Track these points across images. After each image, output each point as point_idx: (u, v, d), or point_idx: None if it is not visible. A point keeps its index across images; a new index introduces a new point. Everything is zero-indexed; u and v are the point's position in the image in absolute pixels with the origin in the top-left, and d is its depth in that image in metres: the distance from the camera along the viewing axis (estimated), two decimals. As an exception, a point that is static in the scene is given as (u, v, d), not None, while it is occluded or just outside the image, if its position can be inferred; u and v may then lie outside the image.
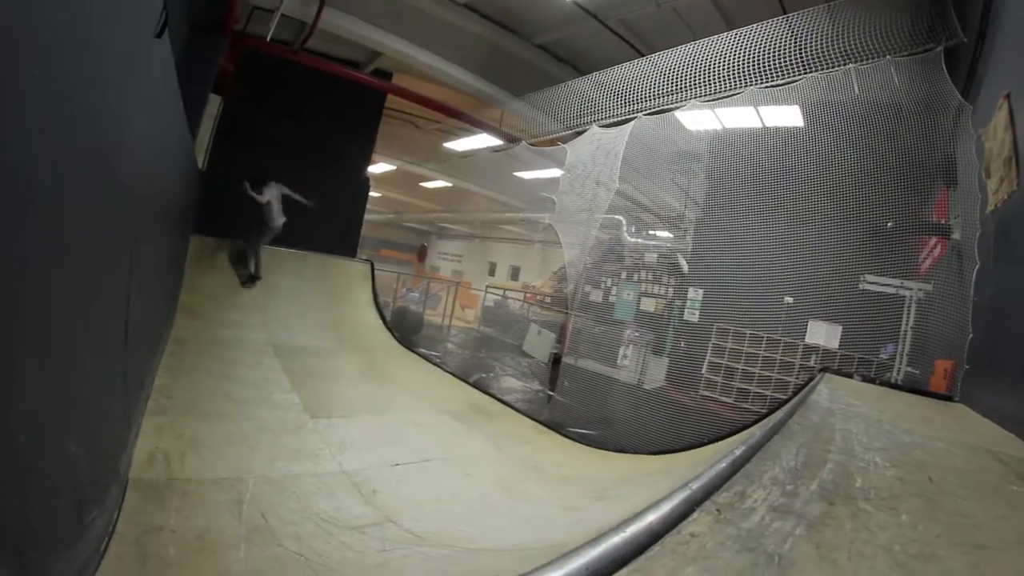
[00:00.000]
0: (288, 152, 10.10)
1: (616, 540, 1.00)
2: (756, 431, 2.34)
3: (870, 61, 6.28)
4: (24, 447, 1.43)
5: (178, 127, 4.57)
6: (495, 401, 7.64)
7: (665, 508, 1.19)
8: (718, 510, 1.24)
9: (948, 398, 4.35)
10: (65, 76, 1.43)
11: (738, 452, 1.83)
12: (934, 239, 6.46)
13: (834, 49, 6.46)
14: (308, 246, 9.81)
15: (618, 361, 10.15)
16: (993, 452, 2.28)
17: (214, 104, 8.81)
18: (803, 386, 4.89)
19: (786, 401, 4.85)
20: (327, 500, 3.72)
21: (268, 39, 8.98)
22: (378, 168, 16.25)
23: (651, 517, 1.13)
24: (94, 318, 2.14)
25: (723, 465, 1.62)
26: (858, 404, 3.40)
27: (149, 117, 2.78)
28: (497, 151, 13.01)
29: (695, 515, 1.20)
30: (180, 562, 2.68)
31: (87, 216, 1.83)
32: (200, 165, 8.27)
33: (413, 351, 9.02)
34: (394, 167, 17.05)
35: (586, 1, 8.70)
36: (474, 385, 8.18)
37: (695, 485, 1.37)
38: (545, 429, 6.93)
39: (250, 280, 8.55)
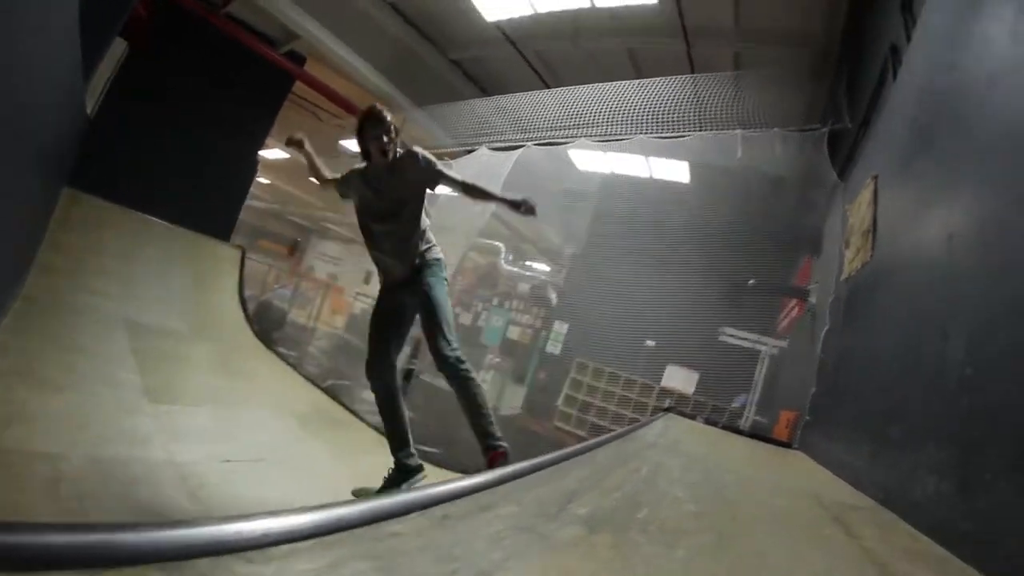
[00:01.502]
0: (185, 117, 9.48)
1: (294, 519, 0.90)
2: (551, 454, 2.08)
3: (759, 130, 6.70)
4: None
5: (67, 59, 4.17)
6: (343, 409, 7.44)
7: (369, 504, 1.05)
8: (445, 516, 1.11)
9: (788, 445, 4.62)
10: None
11: (510, 468, 1.69)
12: (793, 301, 6.95)
13: (728, 114, 6.84)
14: (181, 220, 9.20)
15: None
16: (817, 496, 2.35)
17: (119, 49, 8.25)
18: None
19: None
20: (150, 490, 3.50)
21: (190, -9, 8.48)
22: (271, 153, 15.65)
23: (349, 508, 1.00)
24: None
25: (487, 477, 1.47)
26: (688, 442, 3.48)
27: (26, 33, 2.49)
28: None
29: (412, 516, 1.06)
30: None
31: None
32: (88, 111, 7.68)
33: (271, 348, 8.67)
34: (287, 156, 16.49)
35: (509, 27, 8.83)
36: (326, 391, 7.95)
37: (435, 489, 1.23)
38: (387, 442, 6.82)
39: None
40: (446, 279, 3.82)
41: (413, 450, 3.93)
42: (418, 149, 3.77)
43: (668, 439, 3.37)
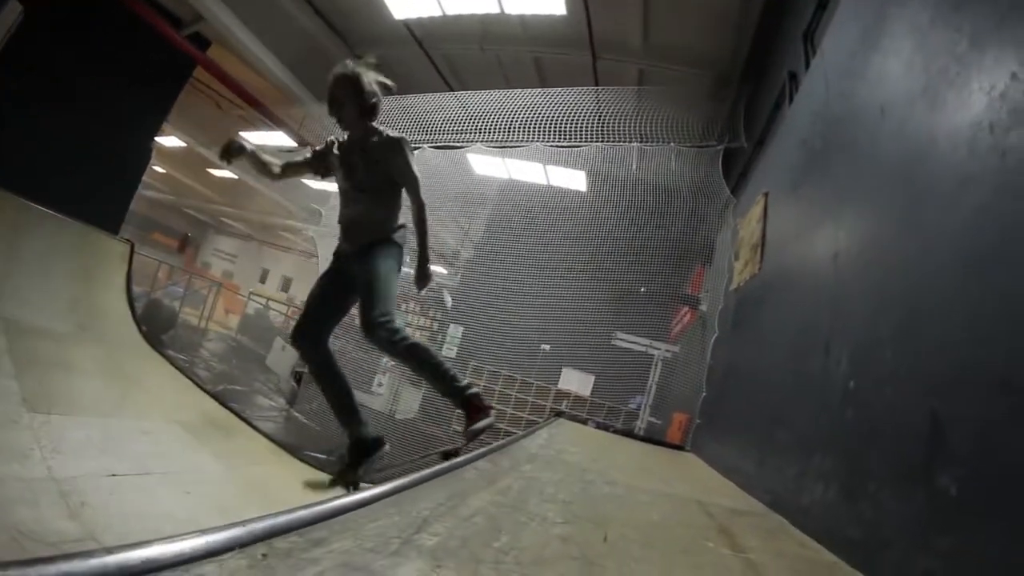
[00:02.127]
0: (76, 94, 8.77)
1: (89, 562, 0.79)
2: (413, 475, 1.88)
3: (656, 144, 6.92)
4: None
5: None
6: (234, 416, 7.15)
7: (179, 544, 0.92)
8: (264, 555, 0.97)
9: (680, 447, 4.77)
10: None
11: (361, 495, 1.50)
12: (685, 308, 7.20)
13: (629, 127, 7.04)
14: (67, 208, 8.50)
15: (372, 388, 10.04)
16: (703, 503, 2.38)
17: (13, 13, 7.62)
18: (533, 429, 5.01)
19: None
20: (29, 509, 3.27)
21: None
22: (167, 140, 14.94)
23: (153, 549, 0.88)
24: None
25: (325, 507, 1.31)
26: (573, 451, 3.43)
27: None
28: (287, 152, 12.55)
29: (227, 556, 0.94)
30: None
31: None
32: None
33: (159, 351, 8.20)
34: (183, 144, 15.77)
35: (417, 26, 8.76)
36: (215, 396, 7.59)
37: (260, 524, 1.09)
38: (280, 451, 6.64)
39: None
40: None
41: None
42: (406, 145, 3.50)
43: (552, 449, 3.33)
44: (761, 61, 6.75)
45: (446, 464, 2.22)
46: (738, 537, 1.80)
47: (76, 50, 8.65)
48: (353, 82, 3.34)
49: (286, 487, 5.40)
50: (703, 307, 6.45)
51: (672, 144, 6.88)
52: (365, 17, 9.10)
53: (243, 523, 1.05)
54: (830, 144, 2.91)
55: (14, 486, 3.44)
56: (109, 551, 0.82)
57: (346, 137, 3.56)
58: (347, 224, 3.47)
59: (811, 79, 3.92)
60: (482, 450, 2.81)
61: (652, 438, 5.44)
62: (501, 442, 3.32)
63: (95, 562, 0.79)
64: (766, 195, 4.24)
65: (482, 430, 3.25)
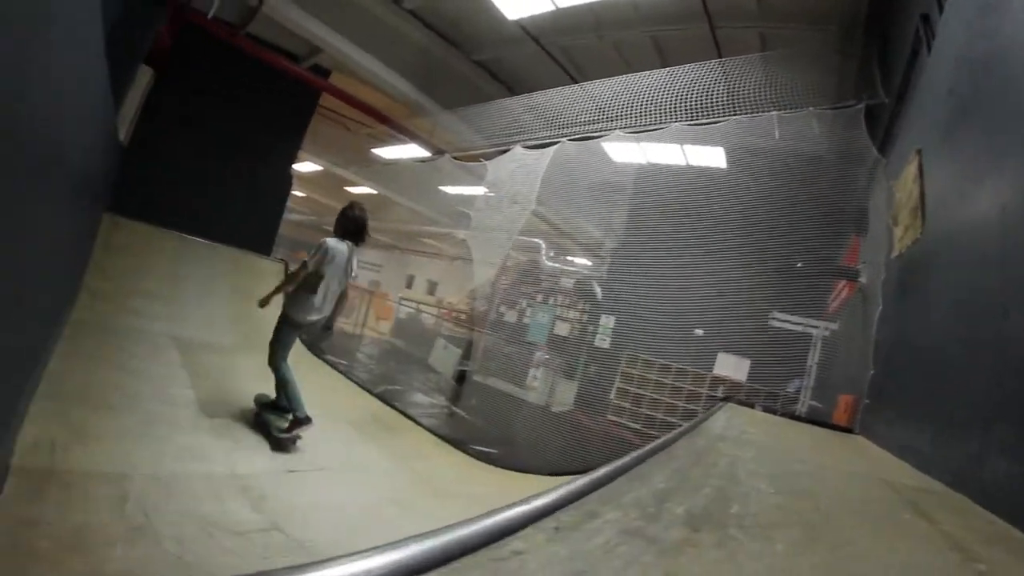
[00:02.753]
0: (216, 137, 9.75)
1: (413, 548, 0.87)
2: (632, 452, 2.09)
3: (794, 110, 6.59)
4: None
5: (100, 90, 4.28)
6: (398, 414, 7.53)
7: (488, 520, 1.04)
8: (556, 528, 1.10)
9: (848, 430, 4.52)
10: None
11: (604, 471, 1.65)
12: (843, 282, 6.79)
13: (762, 96, 6.74)
14: (222, 238, 9.42)
15: (527, 382, 10.19)
16: (887, 481, 2.30)
17: (145, 77, 8.47)
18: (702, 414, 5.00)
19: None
20: (214, 503, 3.58)
21: (209, 16, 8.68)
22: (304, 167, 15.87)
23: (465, 529, 0.98)
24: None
25: (581, 483, 1.44)
26: (753, 432, 3.42)
27: (62, 69, 2.58)
28: (422, 162, 12.95)
29: (527, 531, 1.06)
30: (52, 558, 2.51)
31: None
32: (122, 138, 7.89)
33: (320, 357, 8.79)
34: (320, 168, 16.69)
35: (530, 24, 8.80)
36: (379, 396, 8.03)
37: (538, 501, 1.22)
38: (446, 445, 6.88)
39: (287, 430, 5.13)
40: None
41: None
42: None
43: (734, 430, 3.35)
44: (886, 7, 6.25)
45: (660, 442, 2.46)
46: (928, 512, 1.77)
47: (208, 98, 9.58)
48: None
49: (455, 479, 5.65)
50: (862, 279, 6.04)
51: (810, 108, 6.53)
52: (477, 23, 9.25)
53: (526, 500, 1.20)
54: (980, 89, 2.68)
55: (200, 483, 3.78)
56: (434, 533, 0.95)
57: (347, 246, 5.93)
58: (321, 305, 5.71)
59: (948, 21, 3.64)
60: (680, 429, 3.12)
61: (819, 420, 5.20)
62: (688, 425, 3.50)
63: (432, 543, 0.92)
64: (919, 152, 3.94)
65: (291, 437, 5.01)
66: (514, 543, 1.00)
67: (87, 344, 5.59)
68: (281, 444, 4.93)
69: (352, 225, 5.93)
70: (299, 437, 5.04)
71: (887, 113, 5.95)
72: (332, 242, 5.65)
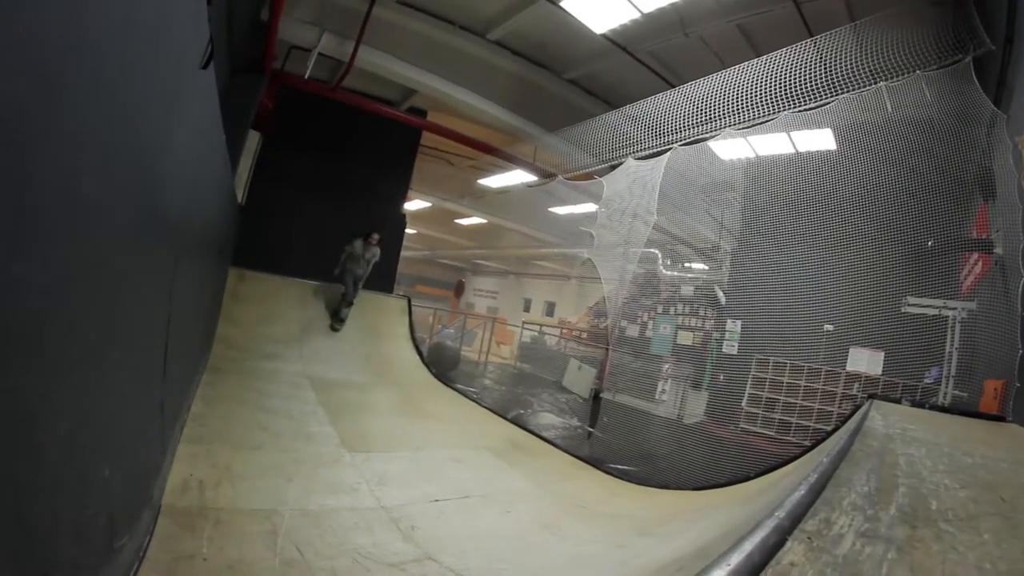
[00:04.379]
0: (325, 189, 10.42)
1: (720, 572, 0.99)
2: (822, 458, 2.31)
3: (900, 77, 6.16)
4: (55, 465, 1.41)
5: (220, 159, 4.64)
6: (534, 437, 7.55)
7: (758, 536, 1.15)
8: (809, 538, 1.20)
9: (1000, 418, 4.17)
10: (113, 101, 1.43)
11: (812, 479, 1.80)
12: (975, 255, 6.26)
13: (862, 68, 6.37)
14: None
15: (656, 396, 10.02)
16: None
17: (253, 140, 9.09)
18: (850, 414, 4.77)
19: (833, 431, 4.73)
20: (364, 535, 3.66)
21: (306, 77, 9.23)
22: (413, 205, 16.39)
23: (749, 546, 1.09)
24: (134, 344, 2.13)
25: (801, 492, 1.59)
26: (913, 428, 3.32)
27: (192, 147, 2.80)
28: (532, 187, 13.06)
29: (788, 544, 1.15)
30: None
31: (128, 242, 1.83)
32: (239, 199, 8.46)
33: (450, 386, 8.98)
34: (429, 204, 17.19)
35: (615, 34, 8.76)
36: (512, 421, 8.10)
37: (781, 513, 1.34)
38: (585, 465, 6.81)
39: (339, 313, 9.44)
40: None
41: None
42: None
43: (895, 429, 3.30)
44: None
45: (839, 446, 2.61)
46: None
47: (314, 152, 10.36)
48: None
49: (598, 500, 5.59)
50: (998, 249, 5.53)
51: (917, 72, 6.07)
52: (563, 42, 9.28)
53: (772, 514, 1.37)
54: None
55: (348, 516, 3.86)
56: (713, 566, 1.05)
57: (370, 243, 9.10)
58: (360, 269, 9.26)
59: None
60: (841, 435, 3.38)
61: (968, 410, 4.82)
62: (851, 426, 3.69)
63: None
64: (1043, 100, 3.60)
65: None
66: (788, 556, 1.11)
67: (225, 388, 5.96)
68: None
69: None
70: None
71: (997, 62, 5.45)
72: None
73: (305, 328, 8.65)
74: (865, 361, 7.46)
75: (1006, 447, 3.04)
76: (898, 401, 5.11)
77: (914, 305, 6.54)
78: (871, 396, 5.18)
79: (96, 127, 1.33)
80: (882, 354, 7.28)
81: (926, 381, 6.67)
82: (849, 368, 7.76)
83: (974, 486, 1.88)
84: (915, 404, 4.97)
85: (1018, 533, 1.34)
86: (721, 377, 9.25)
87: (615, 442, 8.14)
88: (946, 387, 6.17)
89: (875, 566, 1.05)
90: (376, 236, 9.36)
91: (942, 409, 4.98)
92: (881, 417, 3.82)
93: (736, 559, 1.01)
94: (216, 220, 5.05)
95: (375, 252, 9.46)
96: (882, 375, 7.28)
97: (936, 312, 6.41)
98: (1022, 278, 4.30)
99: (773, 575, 1.01)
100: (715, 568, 0.96)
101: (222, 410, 5.27)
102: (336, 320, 9.19)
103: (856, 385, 7.50)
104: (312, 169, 10.22)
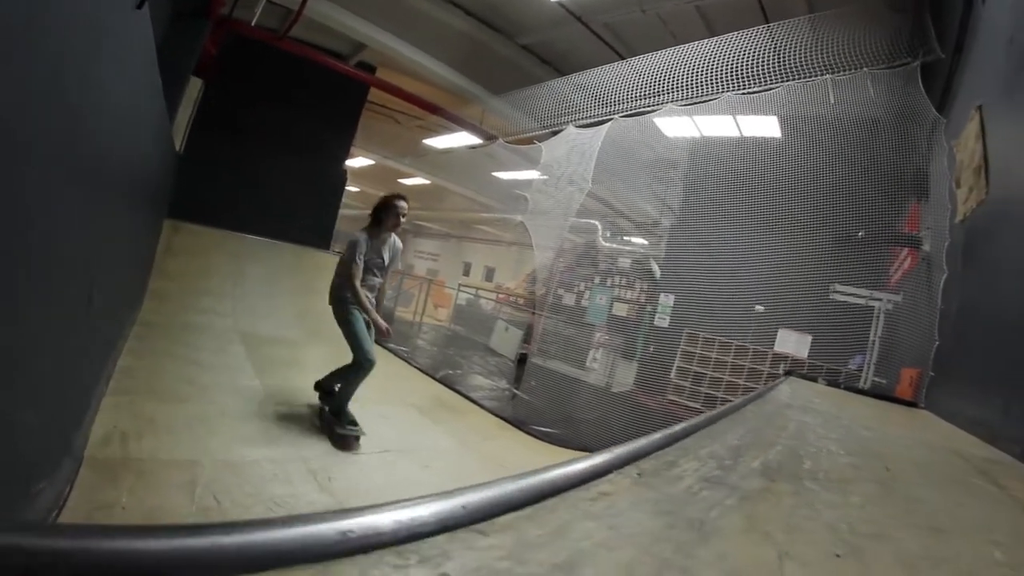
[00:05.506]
0: (268, 140, 10.08)
1: (507, 486, 0.91)
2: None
3: (847, 73, 6.37)
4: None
5: (156, 105, 4.50)
6: (460, 397, 7.66)
7: (575, 466, 1.08)
8: (639, 474, 1.16)
9: (913, 404, 4.39)
10: (34, 38, 1.37)
11: (678, 428, 1.72)
12: (905, 251, 6.56)
13: (813, 60, 6.54)
14: (282, 236, 9.74)
15: (587, 364, 10.18)
16: (955, 450, 2.27)
17: (195, 87, 8.76)
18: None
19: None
20: (282, 486, 3.69)
21: (253, 24, 8.91)
22: (356, 162, 16.11)
23: (555, 472, 1.02)
24: (54, 289, 2.06)
25: (658, 437, 1.51)
26: (818, 402, 3.41)
27: (124, 90, 2.71)
28: (475, 148, 12.99)
29: (611, 476, 1.10)
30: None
31: (45, 179, 1.75)
32: (177, 147, 8.18)
33: (382, 345, 8.95)
34: (372, 162, 16.92)
35: (572, 3, 8.71)
36: (441, 381, 8.17)
37: (619, 450, 1.27)
38: (509, 426, 6.96)
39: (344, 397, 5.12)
40: None
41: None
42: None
43: (800, 400, 3.33)
44: (937, -45, 5.97)
45: (730, 405, 2.51)
46: (998, 479, 1.77)
47: (258, 102, 9.93)
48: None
49: (520, 459, 5.70)
50: (925, 246, 5.79)
51: (864, 69, 6.30)
52: (518, 6, 9.18)
53: (611, 450, 1.26)
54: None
55: (268, 467, 3.88)
56: (528, 475, 0.99)
57: (381, 235, 5.41)
58: (368, 294, 5.27)
59: (1002, -35, 3.47)
60: (747, 396, 3.17)
61: (883, 394, 5.05)
62: (753, 393, 3.48)
63: (525, 483, 0.95)
64: (979, 109, 3.76)
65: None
66: (601, 486, 1.06)
67: (155, 342, 5.84)
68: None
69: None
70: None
71: (944, 69, 5.69)
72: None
73: (239, 283, 8.47)
74: (793, 343, 7.70)
75: (910, 427, 3.18)
76: (814, 379, 5.32)
77: (841, 293, 6.79)
78: (788, 373, 5.38)
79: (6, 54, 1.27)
80: (809, 337, 7.53)
81: (850, 366, 6.94)
82: (777, 348, 8.00)
83: (861, 455, 1.90)
84: (830, 383, 5.19)
85: (890, 500, 1.36)
86: (652, 349, 9.45)
87: (541, 405, 8.27)
88: (867, 373, 6.44)
89: (704, 509, 1.02)
90: (402, 206, 5.35)
91: (857, 391, 5.21)
92: (791, 390, 3.91)
93: (533, 479, 0.96)
94: (150, 167, 4.90)
95: (396, 245, 5.55)
96: (808, 358, 7.55)
97: (863, 301, 6.67)
98: (944, 274, 4.52)
99: (577, 498, 0.98)
100: (500, 482, 0.92)
101: (150, 363, 5.16)
102: (342, 420, 4.88)
103: (782, 365, 7.73)
104: (255, 120, 9.89)
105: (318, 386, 5.51)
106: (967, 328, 3.67)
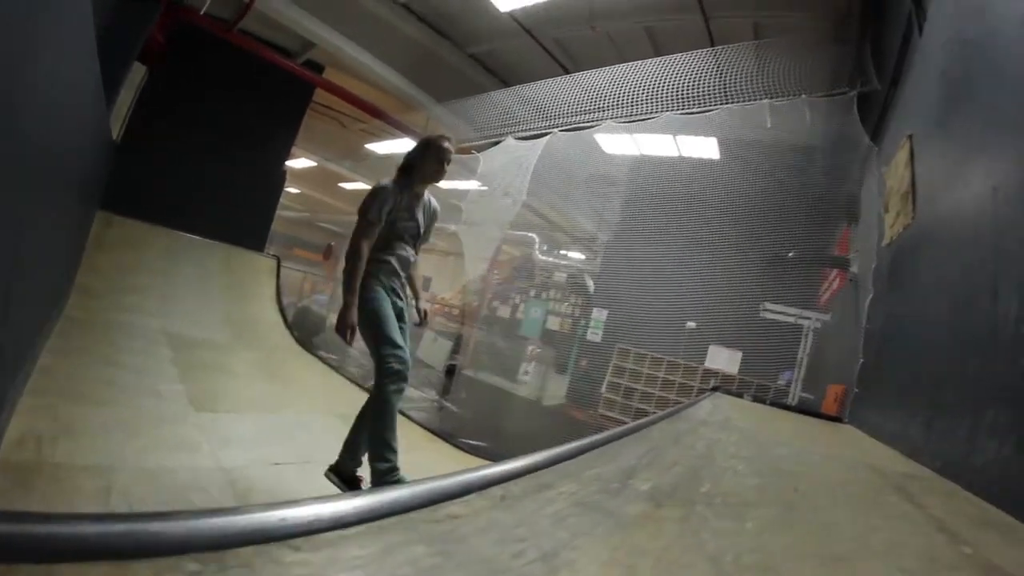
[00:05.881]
0: (209, 134, 9.75)
1: (341, 504, 0.86)
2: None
3: (786, 98, 6.58)
4: None
5: (91, 88, 4.28)
6: (388, 408, 7.47)
7: (428, 485, 1.00)
8: (503, 496, 1.05)
9: (837, 419, 4.52)
10: None
11: (563, 448, 1.54)
12: (834, 272, 6.80)
13: (754, 84, 6.73)
14: (216, 235, 9.44)
15: (519, 376, 10.20)
16: (874, 466, 2.29)
17: (139, 74, 8.46)
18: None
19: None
20: (199, 494, 3.54)
21: (202, 12, 8.68)
22: (298, 163, 15.79)
23: (402, 491, 0.95)
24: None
25: (537, 457, 1.36)
26: (738, 419, 3.40)
27: (55, 69, 2.57)
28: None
29: (469, 497, 1.01)
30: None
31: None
32: (115, 136, 7.89)
33: (311, 352, 8.78)
34: (314, 164, 16.62)
35: (524, 17, 8.76)
36: (369, 391, 7.99)
37: (489, 471, 1.17)
38: (436, 438, 6.85)
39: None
40: None
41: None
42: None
43: (719, 417, 3.31)
44: (879, -7, 6.25)
45: (639, 422, 2.39)
46: (915, 496, 1.75)
47: (201, 95, 9.60)
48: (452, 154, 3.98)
49: (445, 470, 5.58)
50: (854, 268, 6.03)
51: (803, 96, 6.52)
52: (470, 15, 9.19)
53: (476, 469, 1.18)
54: (971, 70, 2.66)
55: (185, 475, 3.74)
56: (361, 493, 0.91)
57: (413, 189, 3.96)
58: (397, 270, 3.87)
59: (938, 3, 3.62)
60: (660, 414, 3.07)
61: (808, 409, 5.20)
62: (671, 409, 3.48)
63: (351, 503, 0.89)
64: (910, 137, 3.92)
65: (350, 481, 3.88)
66: (451, 507, 0.97)
67: (78, 340, 5.58)
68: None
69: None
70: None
71: (880, 100, 5.93)
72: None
73: (171, 282, 8.17)
74: (724, 359, 7.86)
75: (830, 444, 3.24)
76: (740, 396, 5.42)
77: (772, 311, 6.96)
78: (714, 389, 5.46)
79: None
80: (740, 354, 7.71)
81: (779, 383, 7.13)
82: (708, 365, 8.16)
83: (771, 475, 1.84)
84: (756, 399, 5.30)
85: (793, 526, 1.30)
86: (584, 363, 9.52)
87: (471, 417, 8.23)
88: (795, 389, 6.61)
89: (564, 538, 0.94)
90: (447, 148, 3.92)
91: (783, 406, 5.34)
92: (712, 406, 3.89)
93: (373, 499, 0.90)
94: (81, 155, 4.66)
95: (433, 206, 4.23)
96: (738, 374, 7.72)
97: (793, 320, 6.86)
98: (870, 295, 4.70)
99: (420, 520, 0.90)
100: (333, 499, 0.87)
101: (71, 363, 4.93)
102: (385, 464, 3.77)
103: (713, 381, 7.88)
104: (197, 112, 9.56)
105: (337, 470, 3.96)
106: (890, 346, 3.81)
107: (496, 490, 1.08)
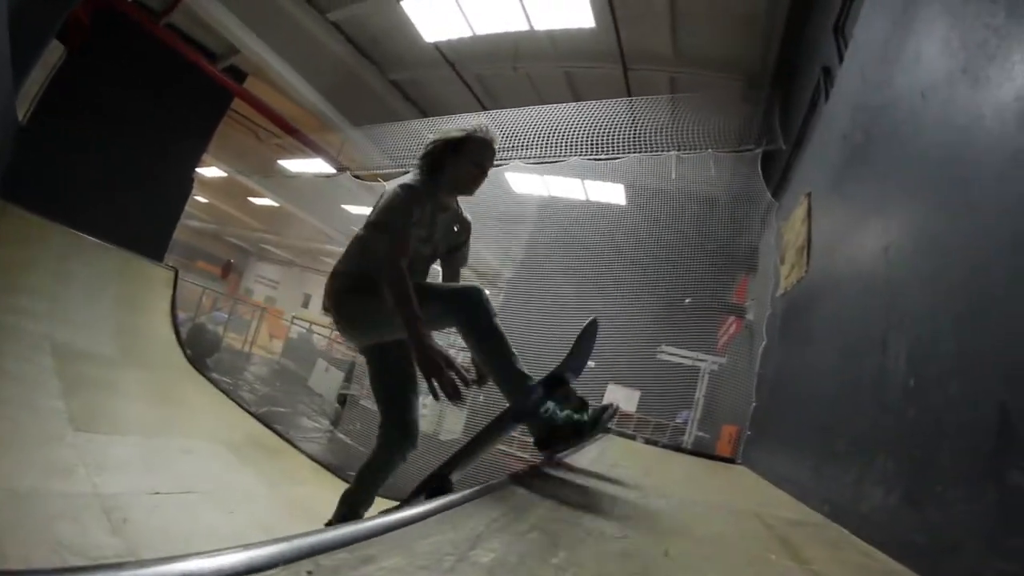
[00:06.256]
0: (121, 129, 9.20)
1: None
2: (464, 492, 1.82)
3: (694, 152, 6.86)
4: None
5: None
6: (277, 437, 7.26)
7: (229, 557, 0.84)
8: (309, 572, 0.90)
9: (731, 460, 4.65)
10: None
11: (404, 513, 1.38)
12: (732, 318, 7.07)
13: (664, 136, 6.98)
14: (113, 238, 8.73)
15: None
16: (760, 515, 2.27)
17: (56, 53, 7.97)
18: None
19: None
20: (71, 524, 3.30)
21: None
22: (208, 171, 15.24)
23: (188, 564, 0.78)
24: None
25: (366, 525, 1.21)
26: (625, 465, 3.34)
27: None
28: (325, 178, 12.69)
29: (270, 572, 0.86)
30: None
31: None
32: (20, 117, 7.38)
33: (203, 374, 8.36)
34: (224, 174, 16.05)
35: (448, 49, 8.83)
36: (259, 418, 7.68)
37: (305, 541, 1.01)
38: (324, 471, 6.68)
39: None
40: None
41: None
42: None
43: (603, 464, 3.20)
44: (793, 59, 6.68)
45: (500, 480, 2.09)
46: (800, 549, 1.72)
47: (118, 87, 9.06)
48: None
49: (329, 506, 5.42)
50: (749, 316, 6.31)
51: (710, 150, 6.81)
52: (396, 42, 9.21)
53: (287, 539, 0.99)
54: (871, 136, 2.82)
55: (57, 502, 3.48)
56: (143, 563, 0.76)
57: (439, 197, 3.00)
58: None
59: (846, 72, 3.86)
60: (536, 463, 2.75)
61: (701, 452, 5.33)
62: (550, 455, 3.12)
63: (127, 574, 0.73)
64: (808, 195, 4.15)
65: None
66: None
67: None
68: None
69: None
70: None
71: (784, 158, 6.29)
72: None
73: (62, 284, 7.59)
74: (622, 398, 7.97)
75: (720, 489, 3.28)
76: (632, 438, 5.50)
77: (669, 353, 7.15)
78: (605, 430, 5.53)
79: None
80: (638, 393, 7.87)
81: (676, 422, 7.31)
82: (606, 403, 8.25)
83: (643, 533, 1.70)
84: (649, 441, 5.40)
85: None
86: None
87: (361, 450, 8.04)
88: (691, 429, 6.79)
89: None
90: (494, 147, 3.10)
91: (677, 448, 5.45)
92: (598, 452, 3.77)
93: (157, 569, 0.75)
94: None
95: (466, 220, 3.35)
96: (636, 413, 7.85)
97: (690, 362, 7.06)
98: (764, 341, 4.90)
99: None
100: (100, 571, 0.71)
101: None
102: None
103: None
104: (111, 103, 9.00)
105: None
106: (781, 392, 3.97)
107: (307, 564, 0.93)
